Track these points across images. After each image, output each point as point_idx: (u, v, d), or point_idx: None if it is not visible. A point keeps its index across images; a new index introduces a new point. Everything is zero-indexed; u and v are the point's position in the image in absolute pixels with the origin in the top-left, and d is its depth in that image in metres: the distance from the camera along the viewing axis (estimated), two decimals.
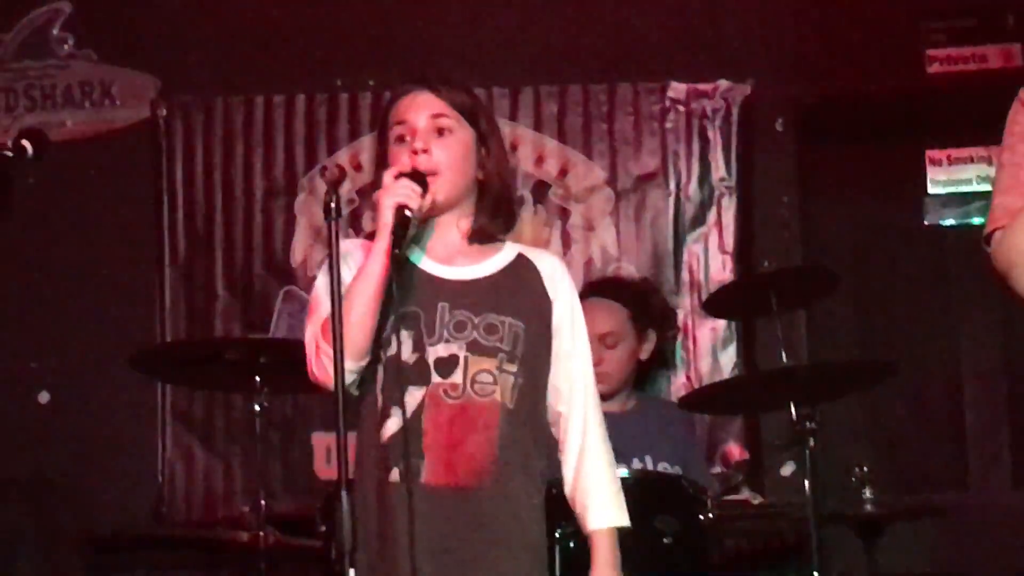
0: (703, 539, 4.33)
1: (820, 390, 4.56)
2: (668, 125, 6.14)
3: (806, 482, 4.41)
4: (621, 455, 4.69)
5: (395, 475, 3.10)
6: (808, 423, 4.43)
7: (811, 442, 4.42)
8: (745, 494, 5.71)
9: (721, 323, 5.99)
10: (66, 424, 5.93)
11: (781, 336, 4.64)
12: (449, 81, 3.30)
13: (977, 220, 6.01)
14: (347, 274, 3.12)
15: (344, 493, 2.79)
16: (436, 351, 3.14)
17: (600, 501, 3.28)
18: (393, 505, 3.07)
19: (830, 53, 6.14)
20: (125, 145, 6.16)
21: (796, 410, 4.43)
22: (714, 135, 6.12)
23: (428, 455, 3.06)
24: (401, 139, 3.23)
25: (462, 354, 3.15)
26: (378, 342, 3.11)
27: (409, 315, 3.10)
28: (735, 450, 5.93)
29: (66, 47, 6.23)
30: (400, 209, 3.04)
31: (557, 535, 4.12)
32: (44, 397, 5.98)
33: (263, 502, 4.56)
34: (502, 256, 3.31)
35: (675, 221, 6.10)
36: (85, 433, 5.92)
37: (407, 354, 3.08)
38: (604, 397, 4.86)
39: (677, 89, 6.15)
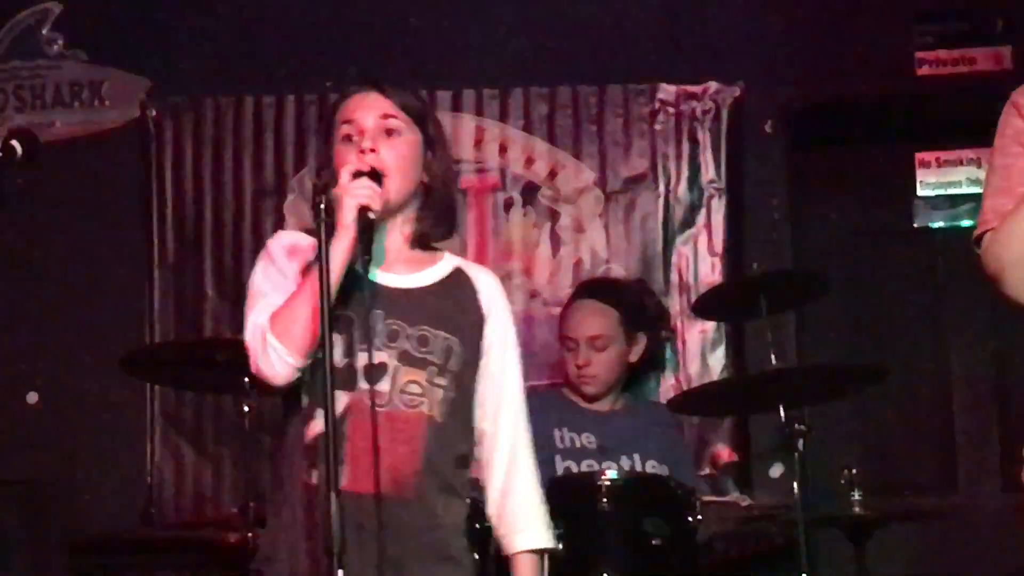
0: (692, 541, 4.32)
1: (809, 392, 4.56)
2: (658, 127, 6.15)
3: (795, 484, 4.40)
4: (609, 453, 4.74)
5: (315, 477, 3.07)
6: (797, 425, 4.43)
7: (800, 445, 4.42)
8: (734, 496, 5.72)
9: (710, 325, 5.99)
10: (55, 426, 5.92)
11: (770, 338, 4.64)
12: (398, 83, 3.29)
13: (967, 222, 6.02)
14: (288, 269, 3.13)
15: (332, 494, 2.78)
16: (365, 358, 3.09)
17: (528, 523, 3.25)
18: (313, 507, 3.04)
19: (820, 55, 6.15)
20: (115, 146, 6.15)
21: (785, 412, 4.43)
22: (704, 137, 6.13)
23: (349, 461, 3.00)
24: (348, 139, 3.19)
25: (392, 363, 3.12)
26: None
27: (342, 319, 3.05)
28: (724, 452, 5.93)
29: (56, 47, 6.22)
30: (363, 210, 3.01)
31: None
32: (32, 398, 5.97)
33: (252, 503, 4.55)
34: (440, 267, 3.27)
35: (664, 223, 6.11)
36: (74, 435, 5.92)
37: (336, 358, 3.00)
38: (592, 399, 4.90)
39: (667, 91, 6.15)
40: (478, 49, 6.14)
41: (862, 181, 6.33)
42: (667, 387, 5.89)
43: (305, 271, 3.13)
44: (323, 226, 2.94)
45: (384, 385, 3.10)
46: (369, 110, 3.21)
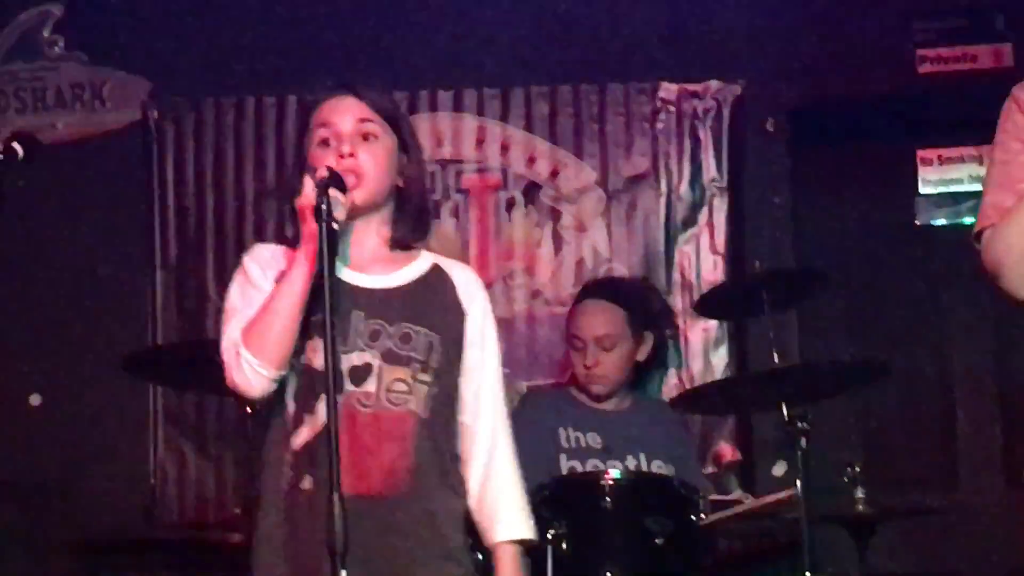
0: (695, 540, 4.32)
1: (812, 390, 4.55)
2: (659, 125, 6.15)
3: (798, 482, 4.40)
4: (614, 453, 4.74)
5: (308, 483, 3.07)
6: (800, 423, 4.43)
7: (803, 442, 4.42)
8: (737, 494, 5.72)
9: (713, 324, 6.00)
10: (58, 427, 5.92)
11: (773, 336, 4.64)
12: (373, 86, 3.29)
13: (968, 220, 6.02)
14: (265, 283, 3.12)
15: (335, 496, 2.78)
16: (350, 359, 3.09)
17: (508, 514, 3.25)
18: (304, 513, 3.04)
19: (821, 53, 6.15)
20: (116, 147, 6.16)
21: (788, 410, 4.43)
22: (705, 135, 6.13)
23: (342, 463, 2.96)
24: (325, 143, 3.19)
25: (376, 363, 3.12)
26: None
27: (322, 322, 3.01)
28: (727, 450, 5.93)
29: (57, 49, 6.22)
30: (327, 221, 2.97)
31: (549, 536, 4.14)
32: (36, 400, 5.97)
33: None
34: (417, 265, 3.28)
35: (666, 222, 6.11)
36: (77, 436, 5.92)
37: (319, 362, 3.00)
38: (600, 399, 4.90)
39: (668, 89, 6.15)
40: (480, 49, 6.14)
41: (864, 179, 6.33)
42: (670, 385, 5.89)
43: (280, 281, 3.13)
44: (323, 227, 2.94)
45: (370, 386, 3.11)
46: (345, 114, 3.22)
